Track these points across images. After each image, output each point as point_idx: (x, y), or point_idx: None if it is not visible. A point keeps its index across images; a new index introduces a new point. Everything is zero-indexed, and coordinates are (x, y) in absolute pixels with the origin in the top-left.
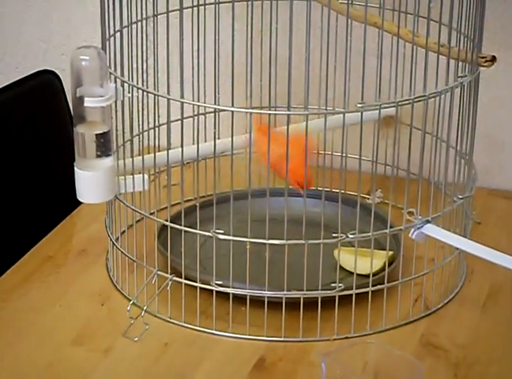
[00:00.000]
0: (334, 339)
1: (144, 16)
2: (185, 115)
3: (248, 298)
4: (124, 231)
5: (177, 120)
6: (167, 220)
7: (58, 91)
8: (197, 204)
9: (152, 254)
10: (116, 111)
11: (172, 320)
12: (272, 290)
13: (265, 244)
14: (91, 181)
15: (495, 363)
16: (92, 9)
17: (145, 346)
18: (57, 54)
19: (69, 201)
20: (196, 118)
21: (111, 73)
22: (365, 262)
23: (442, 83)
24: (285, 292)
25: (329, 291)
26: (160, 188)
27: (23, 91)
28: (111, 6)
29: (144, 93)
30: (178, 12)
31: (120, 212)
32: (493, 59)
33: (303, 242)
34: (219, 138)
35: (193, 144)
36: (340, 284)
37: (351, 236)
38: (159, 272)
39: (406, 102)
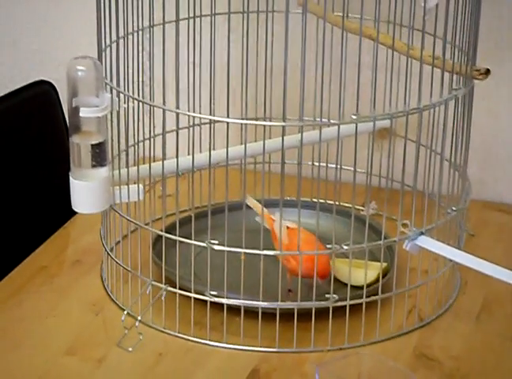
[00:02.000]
0: (328, 350)
1: (140, 27)
2: (180, 126)
3: (242, 308)
4: (119, 242)
5: (172, 130)
6: (161, 230)
7: (53, 101)
8: (192, 215)
9: (146, 264)
10: (112, 122)
11: (166, 331)
12: (267, 300)
13: (259, 255)
14: (86, 191)
15: (488, 375)
16: (88, 20)
17: (139, 356)
18: (53, 64)
19: (64, 211)
20: (191, 128)
21: (106, 84)
22: (359, 273)
23: (436, 95)
24: (279, 303)
25: (323, 302)
26: (154, 198)
27: (19, 101)
28: (108, 17)
29: (140, 104)
30: (174, 23)
31: (115, 222)
32: (487, 72)
33: (297, 252)
34: (214, 149)
35: (189, 154)
36: (335, 295)
37: (345, 247)
38: (153, 283)
39: (401, 114)
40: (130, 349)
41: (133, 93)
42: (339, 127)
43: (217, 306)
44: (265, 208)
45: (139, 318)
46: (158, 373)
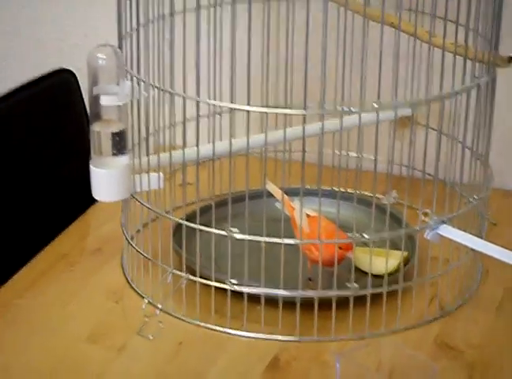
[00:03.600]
0: (349, 339)
1: (160, 14)
2: (200, 114)
3: (263, 297)
4: (139, 230)
5: (193, 119)
6: (182, 219)
7: (74, 89)
8: (213, 203)
9: (167, 253)
10: (132, 110)
11: (187, 319)
12: (287, 289)
13: (280, 244)
14: (106, 179)
15: (509, 365)
16: (108, 8)
17: (160, 344)
18: (74, 52)
19: (84, 199)
20: (212, 116)
21: (127, 72)
22: (380, 262)
23: (458, 84)
24: (300, 292)
25: (343, 291)
26: (175, 187)
27: (40, 89)
28: (128, 5)
29: (161, 91)
30: (194, 11)
31: (135, 211)
32: (510, 60)
33: (317, 241)
34: (234, 137)
35: (209, 143)
36: (355, 284)
37: (366, 236)
38: (174, 271)
39: (422, 102)
40: (151, 337)
41: (153, 81)
42: (360, 115)
43: (237, 295)
44: (285, 195)
45: (159, 306)
46: (178, 362)
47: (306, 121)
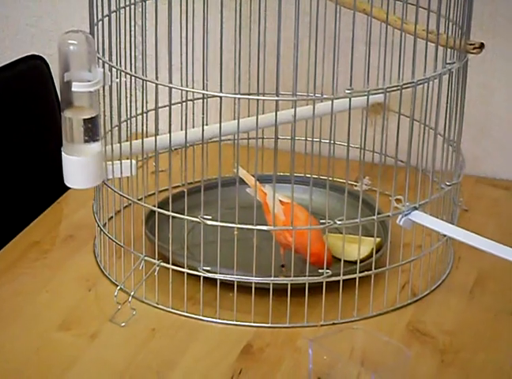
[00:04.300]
0: (321, 325)
1: (132, 1)
2: (173, 101)
3: (235, 284)
4: (112, 217)
5: (165, 106)
6: (154, 206)
7: (45, 76)
8: (185, 190)
9: (139, 240)
10: (104, 96)
11: (159, 306)
12: (260, 276)
13: (252, 230)
14: (78, 166)
15: (481, 349)
16: None
17: (132, 331)
18: (45, 39)
19: (56, 187)
20: (184, 103)
21: (99, 58)
22: (352, 248)
23: (430, 70)
24: (272, 278)
25: (316, 277)
26: (147, 174)
27: (10, 76)
28: None
29: (133, 78)
30: None
31: (108, 198)
32: (481, 46)
33: (290, 228)
34: (207, 124)
35: (182, 130)
36: (328, 270)
37: (338, 222)
38: (146, 258)
39: (394, 88)
40: (123, 324)
41: (125, 68)
42: (332, 102)
43: (210, 282)
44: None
45: (132, 293)
46: (151, 349)
47: (279, 108)
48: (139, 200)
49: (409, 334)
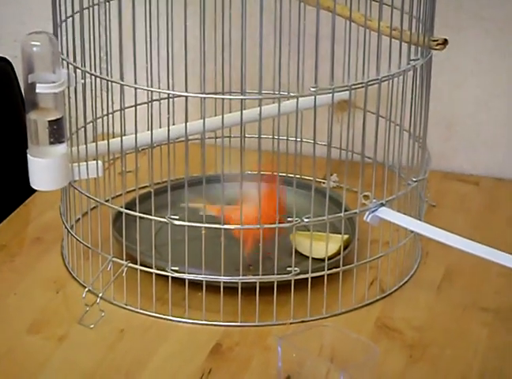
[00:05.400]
0: (290, 323)
1: (96, 1)
2: (139, 101)
3: (204, 283)
4: (79, 219)
5: (131, 106)
6: (122, 207)
7: (10, 78)
8: (152, 191)
9: (107, 241)
10: (69, 98)
11: (128, 307)
12: (228, 275)
13: (220, 229)
14: (44, 168)
15: (449, 345)
16: None
17: (101, 333)
18: (9, 40)
19: (23, 189)
20: (150, 104)
21: (63, 59)
22: (320, 246)
23: (395, 66)
24: (241, 277)
25: (284, 275)
26: (114, 175)
27: None
28: None
29: (98, 79)
30: None
31: (75, 200)
32: (445, 42)
33: (258, 226)
34: (174, 124)
35: (148, 130)
36: (296, 268)
37: (306, 220)
38: (114, 259)
39: (359, 85)
40: (92, 326)
41: (90, 69)
42: (298, 100)
43: (179, 282)
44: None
45: (100, 295)
46: (120, 350)
47: (245, 106)
48: (106, 201)
49: (378, 330)
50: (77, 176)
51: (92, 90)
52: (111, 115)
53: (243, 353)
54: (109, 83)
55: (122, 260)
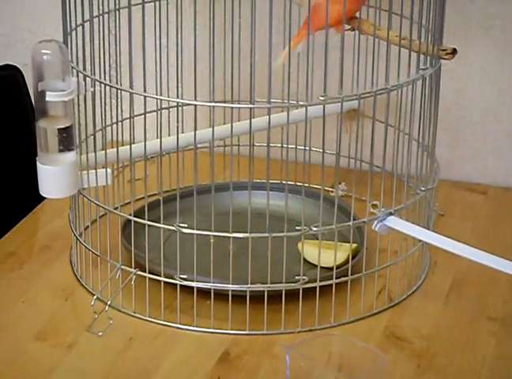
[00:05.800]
0: (298, 332)
1: (105, 9)
2: (148, 109)
3: (212, 291)
4: (88, 226)
5: (140, 114)
6: (130, 215)
7: (20, 86)
8: (161, 199)
9: (116, 249)
10: (79, 106)
11: (136, 315)
12: (237, 283)
13: (229, 237)
14: (53, 176)
15: (457, 354)
16: (54, 3)
17: (109, 340)
18: (20, 48)
19: (32, 197)
20: (159, 112)
21: (72, 68)
22: (329, 255)
23: (403, 76)
24: (249, 285)
25: (292, 284)
26: (123, 182)
27: None
28: (73, 0)
29: (107, 87)
30: (140, 6)
31: (84, 207)
32: (454, 52)
33: (266, 235)
34: (182, 132)
35: (157, 138)
36: (304, 277)
37: (314, 229)
38: (123, 267)
39: (368, 94)
40: (100, 334)
41: (99, 77)
42: (307, 108)
43: (187, 290)
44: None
45: (109, 303)
46: (128, 358)
47: (254, 115)
48: (115, 209)
49: (386, 339)
50: (86, 184)
51: (101, 98)
52: (120, 123)
53: (251, 361)
54: (118, 91)
55: (131, 268)
